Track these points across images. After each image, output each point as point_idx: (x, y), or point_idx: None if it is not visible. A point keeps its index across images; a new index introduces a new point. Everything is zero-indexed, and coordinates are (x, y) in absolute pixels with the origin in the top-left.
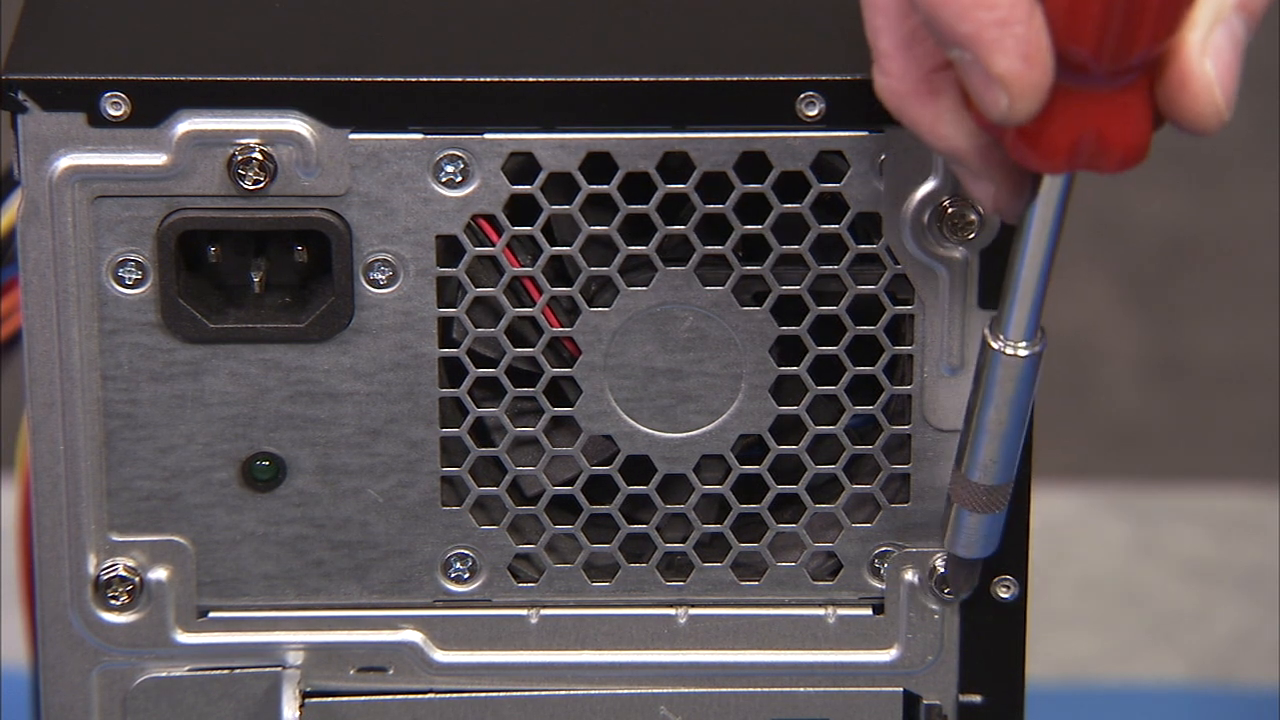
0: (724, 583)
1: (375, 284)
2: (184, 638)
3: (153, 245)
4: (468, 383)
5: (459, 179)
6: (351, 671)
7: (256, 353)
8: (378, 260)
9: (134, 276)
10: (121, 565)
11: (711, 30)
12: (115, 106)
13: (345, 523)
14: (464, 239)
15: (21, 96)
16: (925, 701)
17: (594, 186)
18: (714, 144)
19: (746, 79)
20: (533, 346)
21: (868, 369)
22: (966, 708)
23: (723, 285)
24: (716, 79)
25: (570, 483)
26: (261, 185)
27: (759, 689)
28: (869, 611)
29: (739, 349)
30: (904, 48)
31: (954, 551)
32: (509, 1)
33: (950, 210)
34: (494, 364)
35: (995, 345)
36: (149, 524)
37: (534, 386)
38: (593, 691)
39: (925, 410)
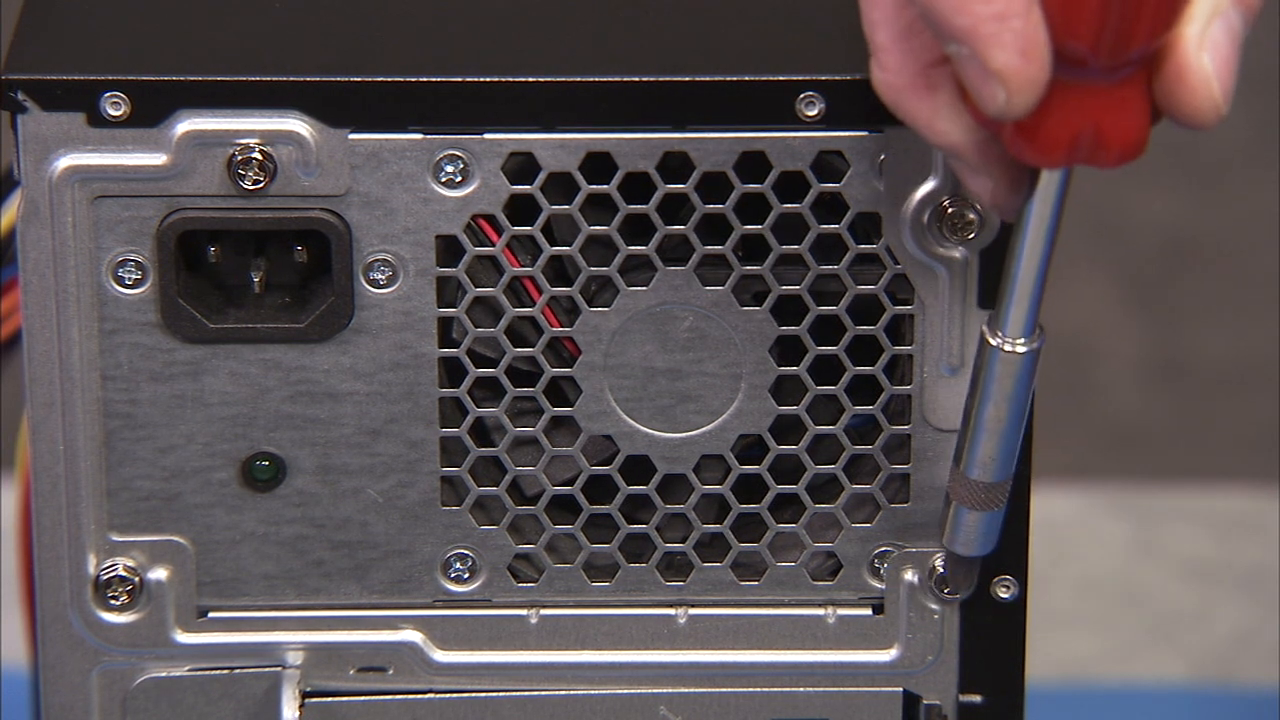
0: (724, 583)
1: (375, 284)
2: (184, 638)
3: (153, 245)
4: (467, 383)
5: (459, 179)
6: (351, 671)
7: (256, 353)
8: (377, 260)
9: (134, 276)
10: (121, 565)
11: (711, 30)
12: (115, 106)
13: (345, 523)
14: (464, 239)
15: (21, 96)
16: (925, 701)
17: (594, 186)
18: (714, 144)
19: (746, 79)
20: (533, 346)
21: (868, 369)
22: (966, 708)
23: (723, 285)
24: (716, 79)
25: (570, 483)
26: (261, 185)
27: (759, 689)
28: (869, 611)
29: (739, 349)
30: (901, 42)
31: (953, 549)
32: (509, 1)
33: (950, 210)
34: (494, 364)
35: (993, 342)
36: (149, 524)
37: (534, 386)
38: (593, 691)
39: (925, 410)
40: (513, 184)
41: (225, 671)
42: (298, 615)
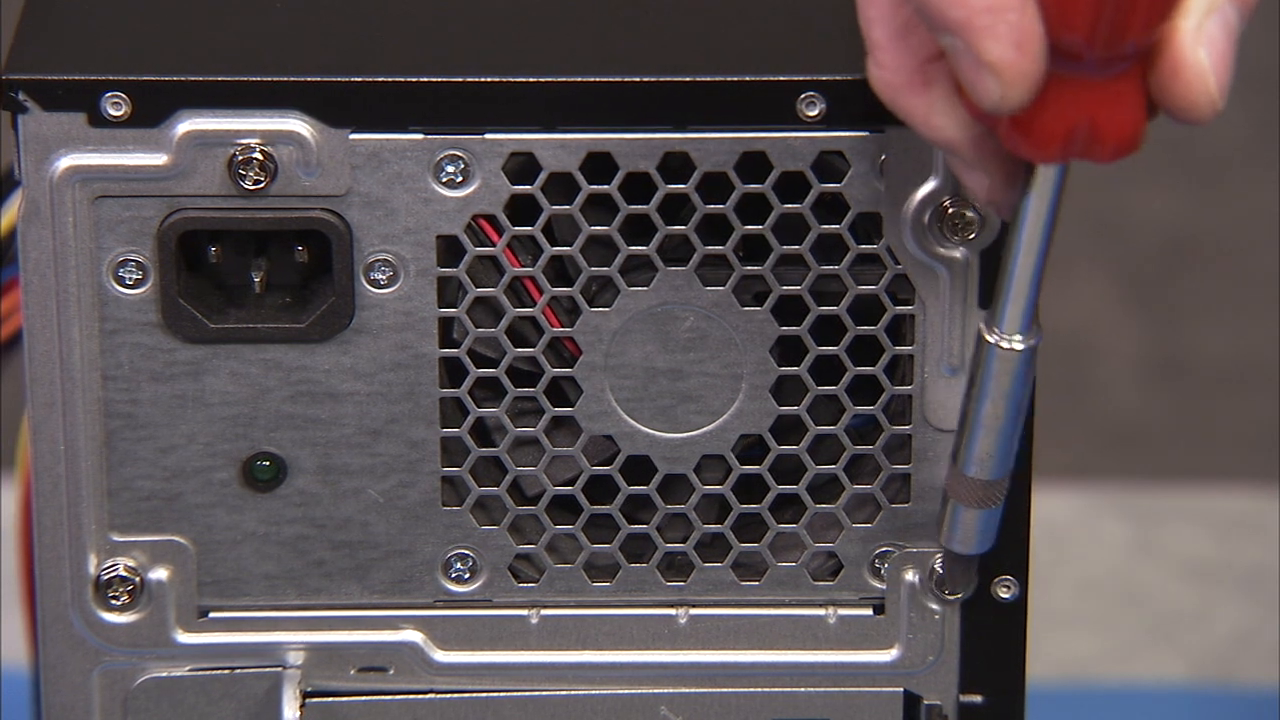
0: (724, 583)
1: (376, 284)
2: (184, 638)
3: (153, 245)
4: (468, 383)
5: (459, 179)
6: (352, 671)
7: (257, 353)
8: (378, 260)
9: (134, 276)
10: (122, 565)
11: (711, 30)
12: (115, 106)
13: (346, 523)
14: (464, 239)
15: (22, 96)
16: (926, 702)
17: (594, 186)
18: (714, 144)
19: (746, 79)
20: (533, 346)
21: (868, 369)
22: (967, 708)
23: (723, 285)
24: (716, 79)
25: (571, 483)
26: (262, 185)
27: (759, 689)
28: (869, 611)
29: (739, 349)
30: (897, 38)
31: (950, 547)
32: (509, 1)
33: (951, 210)
34: (494, 364)
35: (990, 339)
36: (149, 524)
37: (534, 386)
38: (593, 691)
39: (926, 410)
40: (513, 184)
41: (226, 671)
42: (298, 615)
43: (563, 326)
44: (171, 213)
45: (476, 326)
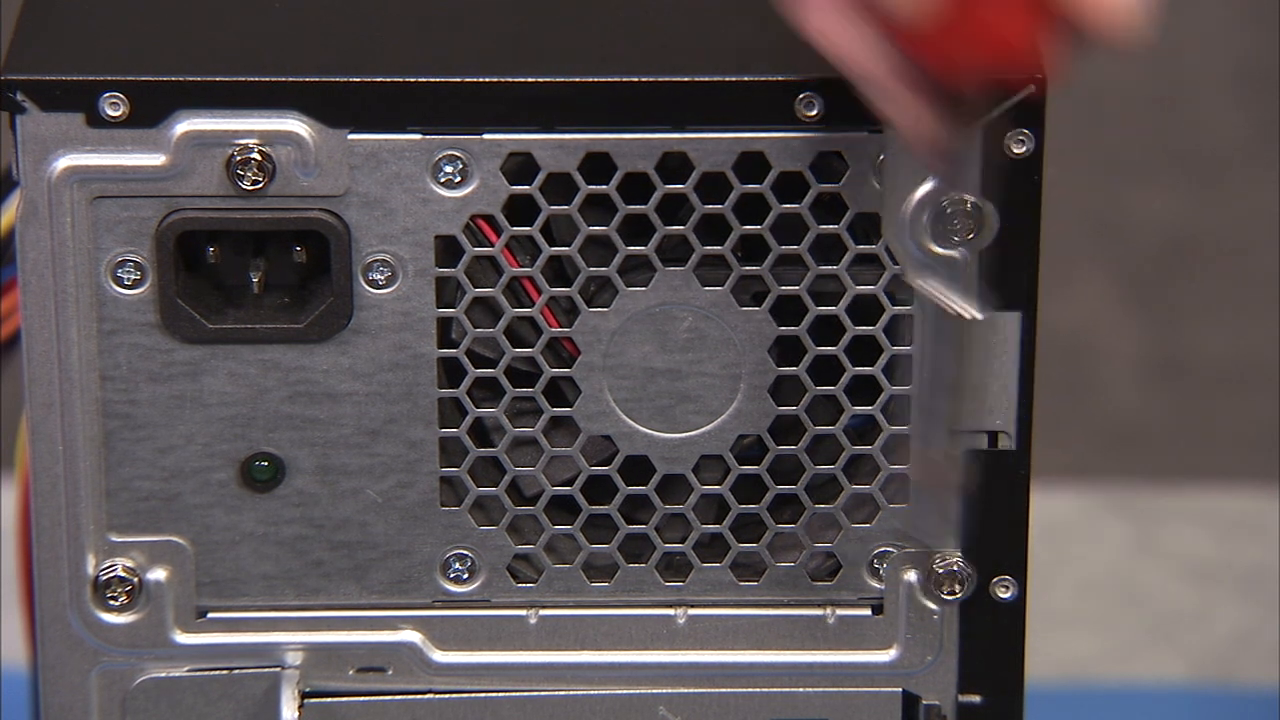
0: (723, 583)
1: (374, 284)
2: (183, 638)
3: (151, 245)
4: (467, 383)
5: (458, 179)
6: (351, 672)
7: (255, 353)
8: (376, 260)
9: (133, 277)
10: (120, 566)
11: (711, 30)
12: (114, 107)
13: (344, 523)
14: (463, 239)
15: (21, 97)
16: (925, 702)
17: (593, 187)
18: (713, 144)
19: (746, 79)
20: (532, 347)
21: (867, 369)
22: (966, 708)
23: (722, 285)
24: (716, 79)
25: (569, 483)
26: (260, 185)
27: (758, 689)
28: (868, 612)
29: (738, 349)
30: None
31: (910, 533)
32: (509, 1)
33: (949, 210)
34: (493, 364)
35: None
36: (148, 524)
37: (533, 387)
38: (592, 692)
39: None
40: (512, 184)
41: (225, 672)
42: (297, 615)
43: (561, 327)
44: (170, 213)
45: (475, 327)
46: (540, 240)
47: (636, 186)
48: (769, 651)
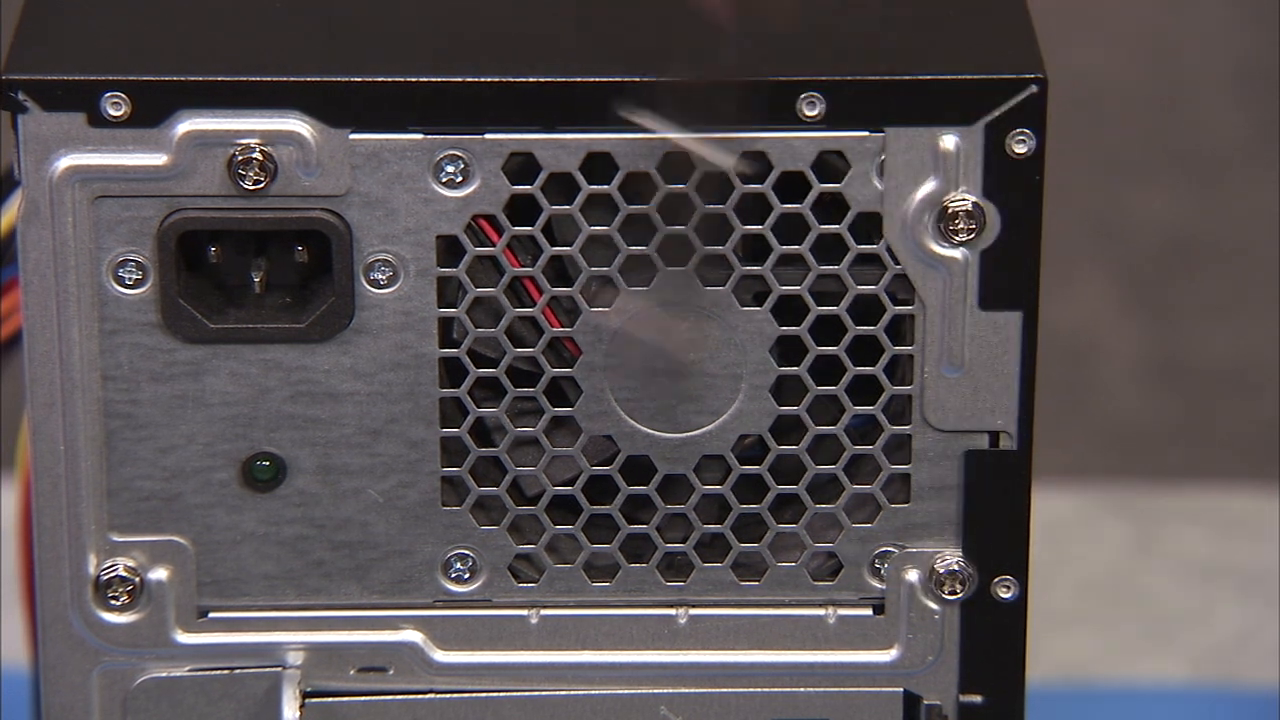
0: (724, 583)
1: (375, 284)
2: (184, 638)
3: (153, 245)
4: (468, 383)
5: (459, 179)
6: (351, 671)
7: (257, 353)
8: (378, 260)
9: (134, 276)
10: (121, 565)
11: (711, 30)
12: (115, 106)
13: (345, 523)
14: (464, 239)
15: (21, 96)
16: (925, 702)
17: (594, 187)
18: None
19: (747, 79)
20: (533, 346)
21: (868, 369)
22: (966, 708)
23: (723, 285)
24: (718, 79)
25: (570, 483)
26: (262, 185)
27: (759, 689)
28: (869, 612)
29: (739, 349)
30: None
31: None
32: (509, 1)
33: (950, 210)
34: (494, 364)
35: None
36: (149, 524)
37: (534, 386)
38: (593, 691)
39: (925, 410)
40: (513, 184)
41: (225, 672)
42: (298, 615)
43: (562, 326)
44: (171, 213)
45: (476, 326)
46: (542, 240)
47: (638, 186)
48: (770, 651)
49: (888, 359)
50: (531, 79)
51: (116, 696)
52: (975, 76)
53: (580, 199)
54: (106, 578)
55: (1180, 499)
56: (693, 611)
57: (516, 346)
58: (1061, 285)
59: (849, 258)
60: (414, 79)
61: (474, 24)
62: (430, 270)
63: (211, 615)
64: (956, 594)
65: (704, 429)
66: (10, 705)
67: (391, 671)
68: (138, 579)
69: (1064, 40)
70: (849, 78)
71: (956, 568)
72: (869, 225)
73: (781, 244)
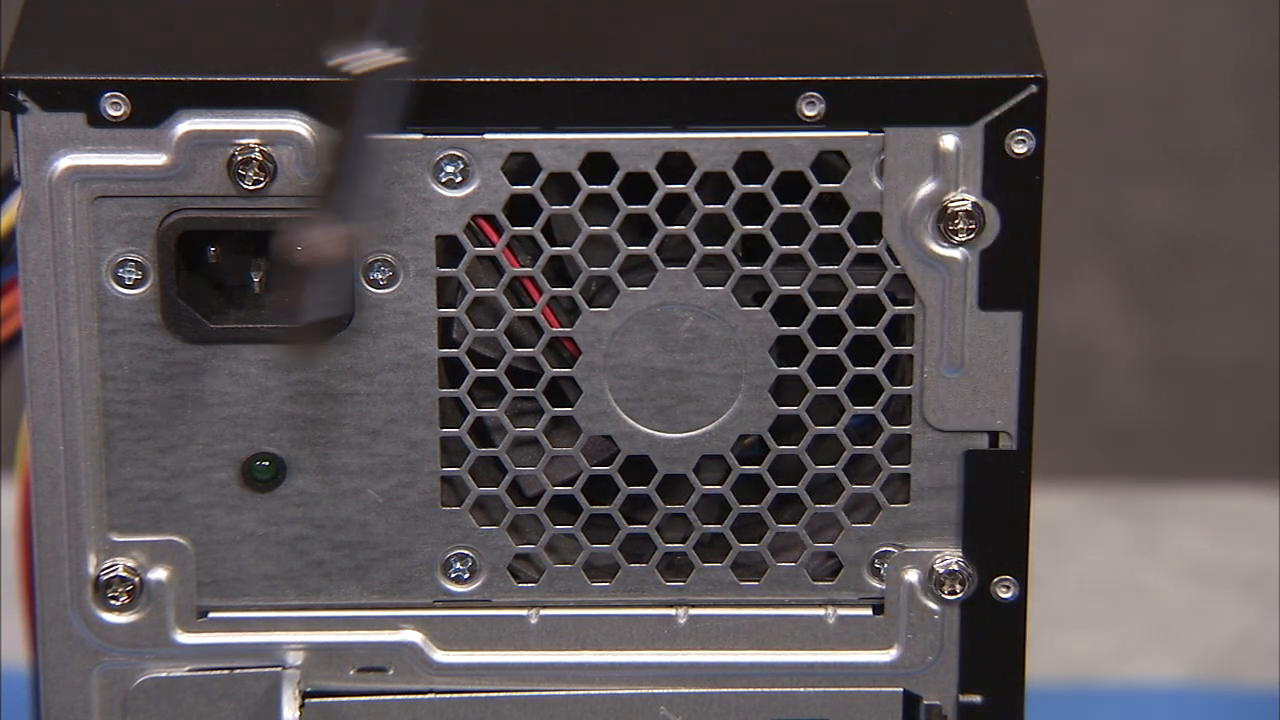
0: (724, 583)
1: (375, 284)
2: (184, 638)
3: (153, 245)
4: (468, 383)
5: (459, 179)
6: (351, 672)
7: (256, 353)
8: (377, 260)
9: (134, 276)
10: (121, 565)
11: (711, 30)
12: (115, 106)
13: (345, 523)
14: (464, 239)
15: (21, 96)
16: (925, 702)
17: (594, 186)
18: (714, 144)
19: (746, 79)
20: (533, 347)
21: (868, 369)
22: (966, 708)
23: (723, 285)
24: (716, 79)
25: (570, 483)
26: (261, 185)
27: (759, 689)
28: (869, 612)
29: (739, 349)
30: None
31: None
32: (509, 1)
33: (950, 210)
34: (494, 364)
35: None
36: (149, 524)
37: (534, 387)
38: (593, 692)
39: (925, 410)
40: (513, 184)
41: (225, 672)
42: (298, 615)
43: (562, 326)
44: (171, 213)
45: (476, 326)
46: (541, 240)
47: (638, 186)
48: (770, 651)
49: (887, 359)
50: (531, 79)
51: (116, 696)
52: (975, 76)
53: (580, 199)
54: (106, 578)
55: (1180, 499)
56: (692, 611)
57: (516, 346)
58: (1061, 285)
59: (849, 258)
60: (414, 79)
61: (474, 24)
62: (430, 270)
63: (211, 615)
64: (956, 594)
65: (704, 429)
66: (10, 705)
67: (391, 671)
68: (137, 579)
69: (1064, 40)
70: (849, 78)
71: (956, 568)
72: (869, 225)
73: (781, 244)
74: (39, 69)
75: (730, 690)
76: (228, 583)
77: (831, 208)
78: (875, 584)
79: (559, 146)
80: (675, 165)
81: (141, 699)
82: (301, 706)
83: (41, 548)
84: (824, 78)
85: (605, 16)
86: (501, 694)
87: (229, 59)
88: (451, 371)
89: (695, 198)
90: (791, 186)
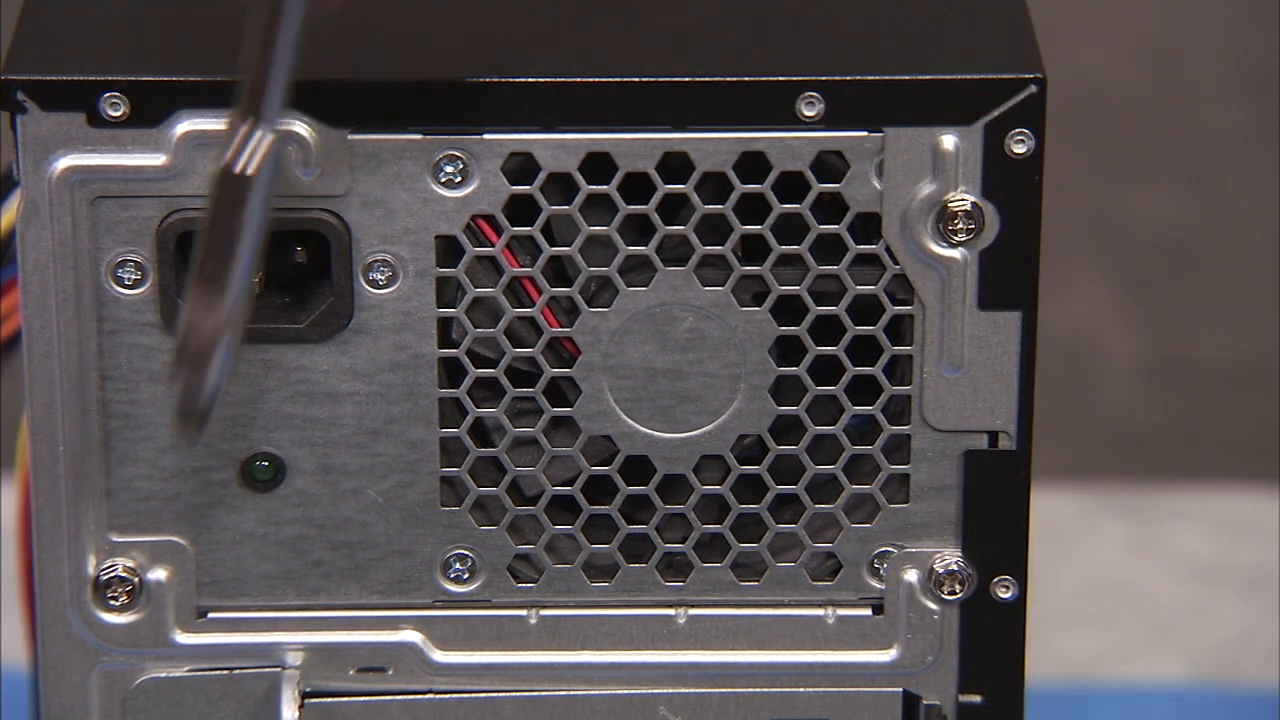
0: (723, 583)
1: (375, 284)
2: (184, 638)
3: (152, 245)
4: (467, 383)
5: (458, 179)
6: (351, 672)
7: (256, 353)
8: (377, 260)
9: (133, 277)
10: (121, 565)
11: (711, 30)
12: (115, 107)
13: (345, 523)
14: (463, 239)
15: (21, 96)
16: (925, 702)
17: (594, 187)
18: (714, 144)
19: (746, 79)
20: (532, 347)
21: (867, 369)
22: (966, 708)
23: (722, 285)
24: (716, 79)
25: (570, 483)
26: None
27: (759, 689)
28: (869, 612)
29: (738, 349)
30: None
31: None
32: (509, 1)
33: (950, 210)
34: (493, 364)
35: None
36: (149, 524)
37: (533, 387)
38: (592, 692)
39: (925, 410)
40: (512, 184)
41: (225, 672)
42: (298, 615)
43: (562, 326)
44: (170, 213)
45: (475, 327)
46: (541, 240)
47: (637, 186)
48: (769, 651)
49: (887, 359)
50: (531, 79)
51: (116, 696)
52: (974, 76)
53: (579, 199)
54: (106, 578)
55: (1180, 499)
56: (692, 611)
57: (516, 346)
58: (1061, 285)
59: (848, 258)
60: (413, 79)
61: (473, 24)
62: (429, 270)
63: (211, 615)
64: (956, 594)
65: (703, 429)
66: (10, 705)
67: (391, 671)
68: (137, 579)
69: (1064, 40)
70: (848, 78)
71: (956, 568)
72: (868, 225)
73: (781, 244)
74: (39, 69)
75: (730, 690)
76: (227, 583)
77: (831, 208)
78: (875, 584)
79: (559, 146)
80: (675, 165)
81: (141, 699)
82: (301, 706)
83: (41, 548)
84: (823, 78)
85: (605, 16)
86: (501, 694)
87: (229, 59)
88: (451, 372)
89: (695, 198)
90: (791, 186)
